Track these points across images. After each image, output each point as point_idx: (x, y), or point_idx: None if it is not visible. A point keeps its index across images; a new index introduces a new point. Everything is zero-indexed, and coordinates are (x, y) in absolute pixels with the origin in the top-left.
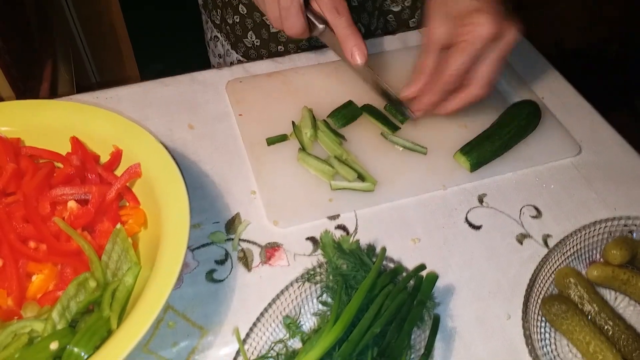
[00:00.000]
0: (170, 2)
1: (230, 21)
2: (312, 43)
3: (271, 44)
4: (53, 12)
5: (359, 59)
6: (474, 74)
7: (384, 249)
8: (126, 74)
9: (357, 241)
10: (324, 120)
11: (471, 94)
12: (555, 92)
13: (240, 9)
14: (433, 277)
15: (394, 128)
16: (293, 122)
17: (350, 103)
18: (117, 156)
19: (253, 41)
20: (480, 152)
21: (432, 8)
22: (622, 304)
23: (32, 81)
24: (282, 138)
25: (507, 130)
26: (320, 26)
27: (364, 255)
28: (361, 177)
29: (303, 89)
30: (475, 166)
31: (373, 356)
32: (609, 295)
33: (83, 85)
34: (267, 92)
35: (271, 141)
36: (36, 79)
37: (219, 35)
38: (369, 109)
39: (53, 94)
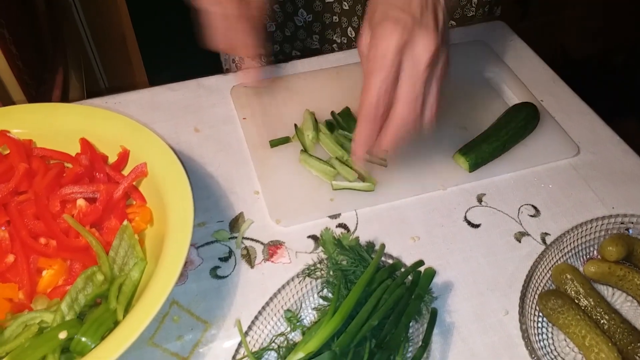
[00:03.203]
0: (181, 13)
1: None
2: (306, 44)
3: (267, 44)
4: (64, 21)
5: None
6: (397, 95)
7: (383, 245)
8: (135, 81)
9: (357, 238)
10: (326, 122)
11: (397, 118)
12: (554, 95)
13: None
14: (431, 272)
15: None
16: (295, 125)
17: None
18: (124, 156)
19: None
20: (479, 153)
21: (364, 17)
22: (619, 299)
23: (44, 87)
24: (285, 140)
25: (505, 131)
26: None
27: (363, 251)
28: (361, 178)
29: (305, 93)
30: (474, 167)
31: (371, 347)
32: (606, 291)
33: (93, 91)
34: (270, 97)
35: (274, 143)
36: (48, 86)
37: None
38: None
39: (64, 100)
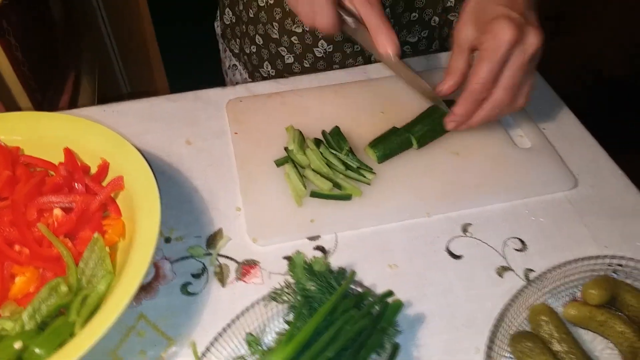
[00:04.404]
0: (202, 21)
1: (247, 51)
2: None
3: (285, 75)
4: (85, 28)
5: (389, 49)
6: (499, 81)
7: (353, 273)
8: (157, 86)
9: (328, 263)
10: (315, 139)
11: (495, 101)
12: (557, 122)
13: (257, 39)
14: (398, 305)
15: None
16: (286, 148)
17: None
18: (104, 168)
19: (269, 71)
20: (387, 144)
21: (463, 13)
22: (599, 346)
23: (51, 93)
24: (286, 160)
25: (420, 126)
26: (350, 19)
27: (331, 279)
28: (339, 188)
29: (300, 110)
30: (382, 158)
31: None
32: (586, 336)
33: (113, 95)
34: (264, 112)
35: (279, 163)
36: (56, 91)
37: (237, 64)
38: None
39: (73, 105)
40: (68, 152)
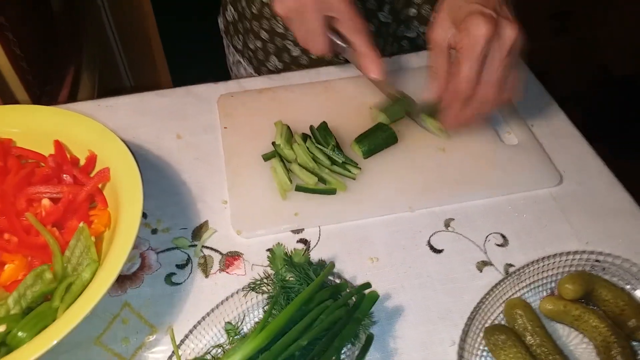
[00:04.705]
0: (205, 15)
1: (252, 47)
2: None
3: (293, 67)
4: (86, 22)
5: (373, 73)
6: (481, 77)
7: (331, 264)
8: (160, 80)
9: (308, 255)
10: (302, 134)
11: (481, 97)
12: (546, 120)
13: (262, 34)
14: (374, 296)
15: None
16: (273, 143)
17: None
18: (91, 160)
19: (276, 65)
20: (373, 140)
21: (437, 13)
22: (574, 340)
23: (50, 87)
24: (274, 154)
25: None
26: (340, 42)
27: (309, 270)
28: (324, 183)
29: (290, 106)
30: (367, 153)
31: None
32: (562, 330)
33: (115, 89)
34: (254, 107)
35: (267, 157)
36: (55, 85)
37: (241, 60)
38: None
39: (72, 98)
40: (58, 145)
